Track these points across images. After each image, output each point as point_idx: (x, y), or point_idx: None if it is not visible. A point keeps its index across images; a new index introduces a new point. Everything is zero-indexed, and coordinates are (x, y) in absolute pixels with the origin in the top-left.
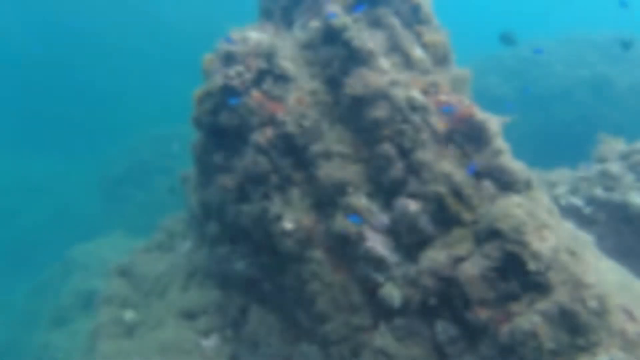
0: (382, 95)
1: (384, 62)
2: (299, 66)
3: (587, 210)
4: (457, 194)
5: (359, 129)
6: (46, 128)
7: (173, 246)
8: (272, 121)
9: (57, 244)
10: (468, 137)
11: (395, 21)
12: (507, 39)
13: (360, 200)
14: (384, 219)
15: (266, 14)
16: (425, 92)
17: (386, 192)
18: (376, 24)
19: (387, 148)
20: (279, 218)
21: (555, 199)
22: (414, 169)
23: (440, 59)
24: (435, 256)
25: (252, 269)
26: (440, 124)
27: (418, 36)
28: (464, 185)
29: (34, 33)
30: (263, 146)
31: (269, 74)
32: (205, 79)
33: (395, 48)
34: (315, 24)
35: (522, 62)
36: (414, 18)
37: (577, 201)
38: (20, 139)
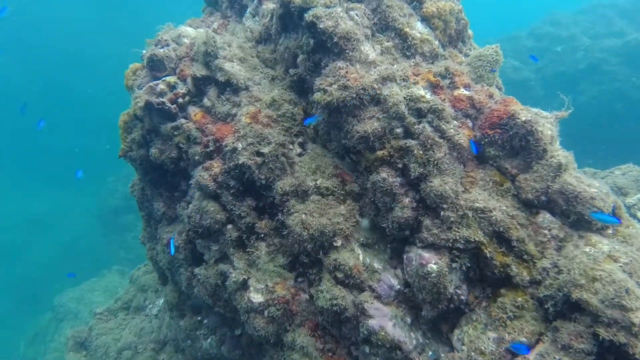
0: (370, 99)
1: (370, 49)
2: (252, 68)
3: None
4: (502, 238)
5: (344, 150)
6: (48, 161)
7: (143, 305)
8: (218, 150)
9: (63, 281)
10: (509, 148)
11: None
12: None
13: (354, 256)
14: (391, 280)
15: (212, 2)
16: (434, 86)
17: (392, 239)
18: None
19: (386, 176)
20: (243, 286)
21: (629, 212)
22: (430, 205)
23: (453, 36)
24: (477, 340)
25: (223, 347)
26: (463, 131)
27: (418, 5)
28: (510, 225)
29: (32, 63)
30: (209, 187)
31: (211, 83)
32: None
33: (385, 26)
34: (269, 5)
35: (542, 40)
36: None
37: None
38: (23, 174)
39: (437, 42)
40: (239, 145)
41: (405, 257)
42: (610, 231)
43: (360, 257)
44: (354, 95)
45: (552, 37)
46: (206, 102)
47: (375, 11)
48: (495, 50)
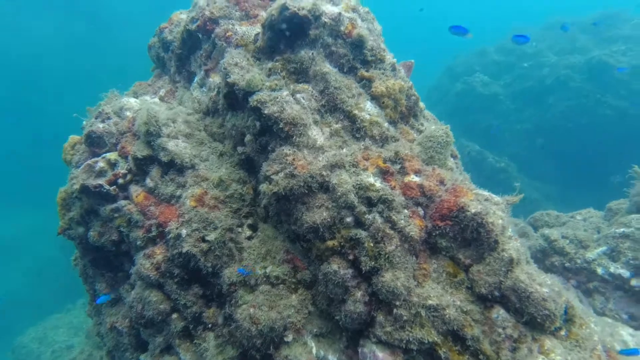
0: (318, 187)
1: (318, 133)
2: (200, 143)
3: (637, 282)
4: (456, 336)
5: (295, 235)
6: (18, 181)
7: None
8: (162, 235)
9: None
10: (461, 239)
11: (328, 68)
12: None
13: (306, 350)
14: None
15: (160, 63)
16: (384, 172)
17: (346, 329)
18: (301, 73)
19: (338, 268)
20: None
21: (589, 267)
22: (384, 300)
23: (404, 112)
24: None
25: None
26: (415, 222)
27: (367, 83)
28: (464, 323)
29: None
30: (151, 277)
31: (154, 162)
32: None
33: (333, 107)
34: (216, 78)
35: (510, 55)
36: (357, 59)
37: (620, 270)
38: None
39: (386, 124)
40: (183, 232)
41: (360, 351)
42: (563, 333)
43: (314, 351)
44: (302, 184)
45: (519, 52)
46: (149, 182)
47: (323, 93)
48: (445, 132)
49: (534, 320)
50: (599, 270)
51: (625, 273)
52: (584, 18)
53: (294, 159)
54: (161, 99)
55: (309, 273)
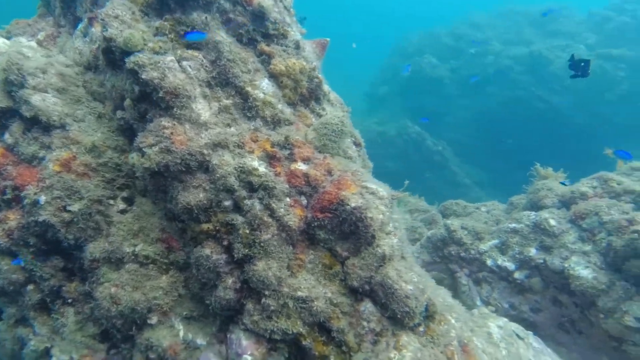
0: (198, 166)
1: (204, 108)
2: (76, 100)
3: (519, 275)
4: (323, 328)
5: (172, 214)
6: None
7: None
8: (18, 199)
9: None
10: (339, 232)
11: (222, 36)
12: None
13: (172, 333)
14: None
15: (46, 3)
16: (271, 157)
17: (218, 314)
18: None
19: (210, 253)
20: (44, 356)
21: (481, 258)
22: (254, 289)
23: (305, 95)
24: None
25: None
26: (295, 211)
27: (267, 59)
28: (332, 315)
29: None
30: (2, 243)
31: (15, 116)
32: None
33: (225, 81)
34: (99, 29)
35: (459, 40)
36: (258, 31)
37: (507, 263)
38: None
39: (280, 106)
40: (42, 198)
41: (228, 337)
42: (421, 329)
43: (181, 334)
44: (179, 161)
45: (469, 38)
46: (7, 138)
47: (215, 63)
48: (340, 119)
49: (395, 316)
50: (489, 262)
51: (510, 266)
52: (533, 9)
53: (172, 133)
54: (39, 43)
55: (184, 254)
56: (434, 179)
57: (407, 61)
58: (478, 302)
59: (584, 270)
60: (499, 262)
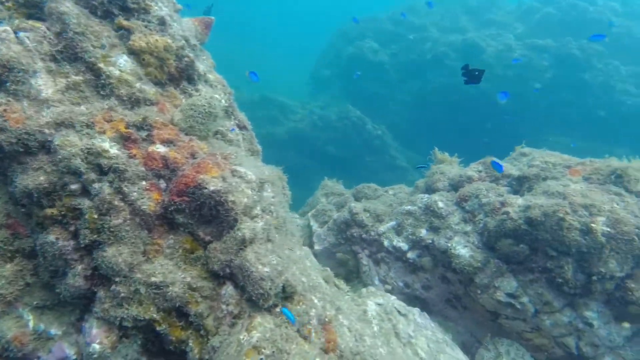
0: (39, 146)
1: (47, 83)
2: None
3: (412, 254)
4: (181, 312)
5: (17, 197)
6: None
7: None
8: None
9: None
10: (198, 216)
11: (68, 7)
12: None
13: (19, 324)
14: (65, 350)
15: None
16: (126, 138)
17: (74, 302)
18: (36, 7)
19: (56, 239)
20: None
21: (379, 239)
22: (105, 276)
23: (174, 75)
24: None
25: None
26: (152, 195)
27: (126, 34)
28: (189, 300)
29: None
30: None
31: None
32: None
33: (74, 56)
34: None
35: (400, 25)
36: (115, 4)
37: (401, 244)
38: None
39: (140, 85)
40: None
41: (82, 325)
42: (278, 309)
43: (31, 324)
44: (14, 141)
45: (408, 24)
46: None
47: (61, 36)
48: (208, 101)
49: (251, 298)
50: (385, 243)
51: (404, 246)
52: None
53: (5, 110)
54: None
55: (32, 241)
56: (374, 162)
57: (349, 45)
58: (376, 282)
59: (463, 249)
60: (394, 242)
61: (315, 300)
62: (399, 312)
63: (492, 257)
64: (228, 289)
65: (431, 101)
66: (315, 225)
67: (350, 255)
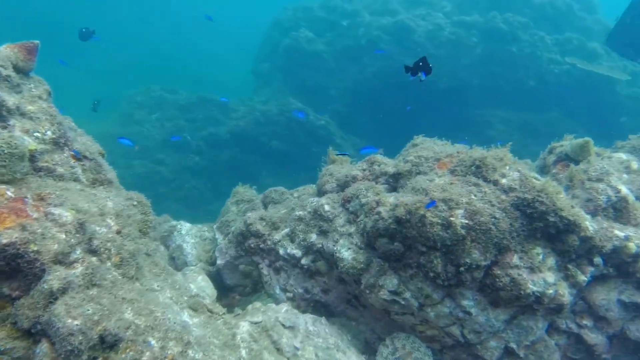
0: None
1: None
2: None
3: (306, 260)
4: None
5: None
6: None
7: None
8: None
9: None
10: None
11: None
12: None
13: None
14: None
15: None
16: None
17: None
18: None
19: None
20: None
21: (275, 247)
22: None
23: None
24: None
25: None
26: None
27: None
28: None
29: None
30: None
31: None
32: None
33: None
34: None
35: (333, 13)
36: None
37: (294, 250)
38: None
39: None
40: None
41: None
42: None
43: None
44: None
45: (340, 10)
46: None
47: None
48: (7, 142)
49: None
50: (281, 251)
51: (298, 253)
52: None
53: None
54: None
55: None
56: (321, 152)
57: (285, 36)
58: (277, 291)
59: (347, 252)
60: (289, 250)
61: (153, 342)
62: (283, 325)
63: (374, 257)
64: (42, 347)
65: (370, 86)
66: (220, 238)
67: (253, 266)
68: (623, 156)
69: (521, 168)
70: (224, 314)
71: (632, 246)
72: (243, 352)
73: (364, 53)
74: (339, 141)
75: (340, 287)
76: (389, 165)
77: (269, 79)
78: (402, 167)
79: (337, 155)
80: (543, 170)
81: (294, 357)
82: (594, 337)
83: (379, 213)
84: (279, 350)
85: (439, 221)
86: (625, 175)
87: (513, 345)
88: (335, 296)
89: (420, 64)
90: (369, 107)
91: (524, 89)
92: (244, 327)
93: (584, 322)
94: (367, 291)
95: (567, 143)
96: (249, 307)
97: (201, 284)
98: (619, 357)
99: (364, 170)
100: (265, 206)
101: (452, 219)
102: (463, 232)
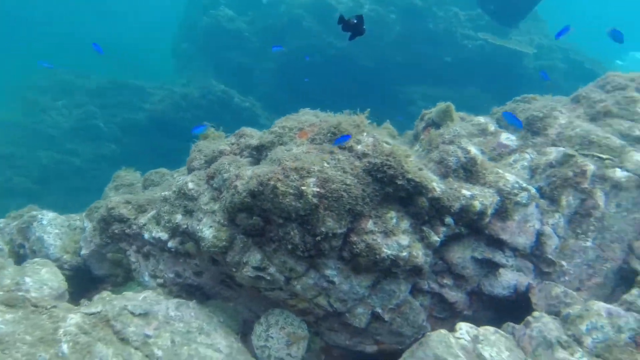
0: None
1: None
2: None
3: (173, 243)
4: None
5: None
6: None
7: None
8: None
9: None
10: None
11: None
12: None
13: None
14: None
15: None
16: None
17: None
18: None
19: None
20: None
21: (140, 232)
22: None
23: None
24: None
25: None
26: None
27: None
28: None
29: None
30: None
31: None
32: None
33: None
34: None
35: None
36: None
37: (160, 233)
38: None
39: None
40: None
41: None
42: None
43: None
44: None
45: None
46: None
47: None
48: None
49: None
50: (146, 235)
51: (164, 235)
52: None
53: None
54: None
55: None
56: None
57: (204, 14)
58: (146, 278)
59: (208, 230)
60: (154, 233)
61: None
62: (132, 313)
63: (237, 234)
64: None
65: (294, 65)
66: (88, 226)
67: (121, 254)
68: (482, 119)
69: (377, 134)
70: (52, 307)
71: (476, 204)
72: (64, 347)
73: (286, 32)
74: (264, 122)
75: (213, 268)
76: (255, 137)
77: (189, 60)
78: (265, 139)
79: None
80: (416, 137)
81: (144, 346)
82: (454, 295)
83: (235, 187)
84: (123, 340)
85: (291, 191)
86: (480, 138)
87: (378, 310)
88: (209, 278)
89: (355, 21)
90: (293, 87)
91: (442, 65)
92: (72, 319)
93: (445, 281)
94: (234, 269)
95: (435, 109)
96: (95, 297)
97: (44, 277)
98: (478, 312)
99: (233, 144)
100: (145, 189)
101: (303, 188)
102: (315, 200)
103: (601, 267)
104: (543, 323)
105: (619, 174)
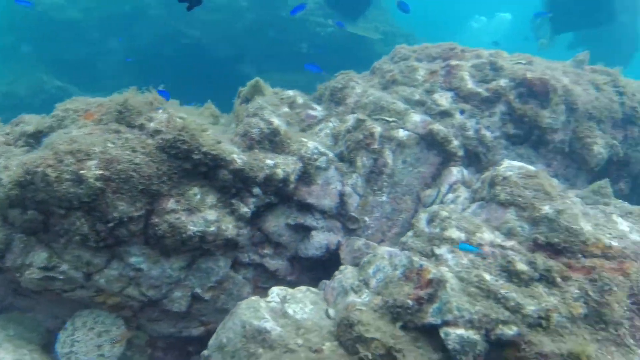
0: None
1: None
2: None
3: None
4: None
5: None
6: None
7: None
8: None
9: None
10: None
11: None
12: None
13: None
14: None
15: None
16: None
17: None
18: None
19: None
20: None
21: None
22: None
23: None
24: None
25: None
26: None
27: None
28: None
29: None
30: None
31: None
32: None
33: None
34: None
35: None
36: None
37: None
38: None
39: None
40: None
41: None
42: None
43: None
44: None
45: None
46: None
47: None
48: None
49: None
50: None
51: None
52: None
53: None
54: None
55: None
56: None
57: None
58: None
59: None
60: None
61: None
62: None
63: (15, 233)
64: None
65: (146, 56)
66: None
67: None
68: (290, 93)
69: (172, 110)
70: None
71: (279, 172)
72: None
73: (132, 21)
74: None
75: (1, 277)
76: (31, 124)
77: (14, 54)
78: (42, 124)
79: None
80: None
81: None
82: (274, 264)
83: (0, 180)
84: None
85: (67, 176)
86: (289, 110)
87: (198, 290)
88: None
89: None
90: (146, 80)
91: (298, 52)
92: None
93: (265, 251)
94: (17, 274)
95: (247, 85)
96: None
97: None
98: (301, 276)
99: (8, 134)
100: None
101: (82, 172)
102: (99, 184)
103: (397, 218)
104: (344, 274)
105: (401, 133)
